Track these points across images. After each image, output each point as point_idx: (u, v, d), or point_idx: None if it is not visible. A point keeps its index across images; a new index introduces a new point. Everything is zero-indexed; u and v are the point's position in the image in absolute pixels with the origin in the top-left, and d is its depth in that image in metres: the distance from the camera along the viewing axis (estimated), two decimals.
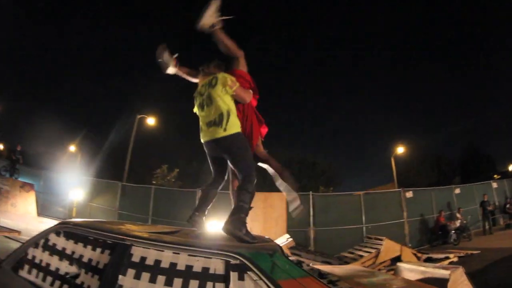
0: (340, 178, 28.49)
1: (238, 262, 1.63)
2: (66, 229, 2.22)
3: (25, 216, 10.60)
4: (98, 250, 1.95)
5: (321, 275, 2.60)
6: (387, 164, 19.39)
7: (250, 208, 2.42)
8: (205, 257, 1.67)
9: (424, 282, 3.77)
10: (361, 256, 6.95)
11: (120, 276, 1.73)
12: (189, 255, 1.69)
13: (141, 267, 1.73)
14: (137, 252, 1.80)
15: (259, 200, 10.51)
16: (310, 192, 10.89)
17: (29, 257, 2.24)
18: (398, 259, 6.78)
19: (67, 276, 1.95)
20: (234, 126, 2.49)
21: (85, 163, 25.95)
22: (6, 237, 3.76)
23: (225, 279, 1.58)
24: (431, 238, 11.41)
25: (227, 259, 1.64)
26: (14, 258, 2.33)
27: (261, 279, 1.56)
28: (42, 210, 12.67)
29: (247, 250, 1.72)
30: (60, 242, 2.17)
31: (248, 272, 1.60)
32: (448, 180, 21.70)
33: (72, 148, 24.80)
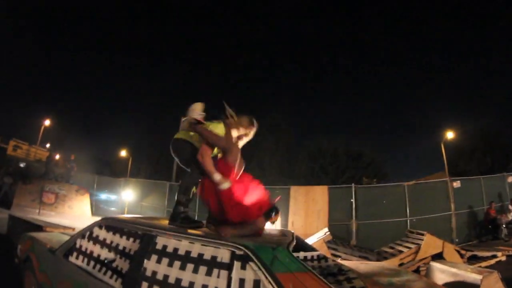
0: (388, 168, 27.21)
1: (242, 253, 1.80)
2: (107, 223, 2.61)
3: (81, 216, 11.58)
4: (131, 239, 2.28)
5: (341, 270, 2.57)
6: (437, 152, 17.99)
7: (189, 198, 2.70)
8: (214, 247, 1.88)
9: (454, 286, 3.59)
10: (401, 252, 6.61)
11: (145, 261, 2.03)
12: (202, 244, 1.93)
13: (162, 253, 2.02)
14: (160, 241, 2.09)
15: (301, 194, 10.41)
16: (353, 184, 10.37)
17: (77, 246, 2.66)
18: (440, 256, 6.39)
19: (106, 261, 2.30)
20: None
21: (136, 166, 27.69)
22: (62, 233, 4.30)
23: (229, 267, 1.77)
24: (480, 233, 10.37)
25: (233, 249, 1.83)
26: (65, 247, 2.79)
27: (260, 269, 1.71)
28: (96, 210, 13.85)
29: (252, 243, 1.88)
30: (102, 234, 2.55)
31: (250, 262, 1.76)
32: (503, 167, 19.54)
33: (123, 153, 26.54)
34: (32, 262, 3.11)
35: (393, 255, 6.58)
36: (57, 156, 16.89)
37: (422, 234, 6.87)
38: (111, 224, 2.56)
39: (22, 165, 16.25)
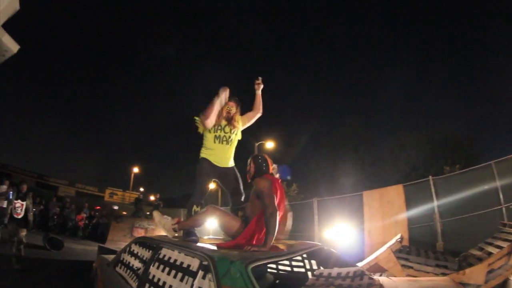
0: (482, 148, 23.38)
1: (206, 263, 1.98)
2: (139, 240, 3.27)
3: None
4: (150, 251, 2.80)
5: None
6: None
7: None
8: (191, 256, 2.17)
9: None
10: (490, 254, 4.88)
11: (151, 267, 2.50)
12: (185, 254, 2.26)
13: (160, 261, 2.45)
14: (163, 252, 2.54)
15: (374, 199, 9.46)
16: (430, 177, 8.69)
17: (121, 258, 3.33)
18: None
19: (133, 268, 2.85)
20: None
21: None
22: None
23: (195, 275, 2.00)
24: None
25: (201, 259, 2.05)
26: (114, 260, 3.52)
27: (213, 281, 1.85)
28: None
29: (217, 254, 2.05)
30: (136, 248, 3.18)
31: (209, 273, 1.91)
32: None
33: (212, 185, 28.29)
34: (97, 275, 3.91)
35: (479, 260, 4.96)
36: (152, 197, 18.86)
37: None
38: (142, 241, 3.19)
39: (115, 207, 18.55)
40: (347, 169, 23.83)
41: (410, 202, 8.76)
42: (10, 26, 6.56)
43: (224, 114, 3.49)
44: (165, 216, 3.29)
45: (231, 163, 3.51)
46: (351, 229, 9.40)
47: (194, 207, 3.24)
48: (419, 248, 6.49)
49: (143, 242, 3.08)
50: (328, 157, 26.61)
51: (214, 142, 3.41)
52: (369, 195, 9.68)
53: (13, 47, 6.55)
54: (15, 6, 6.27)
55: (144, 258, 2.75)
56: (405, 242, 7.64)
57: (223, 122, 3.48)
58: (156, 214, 3.38)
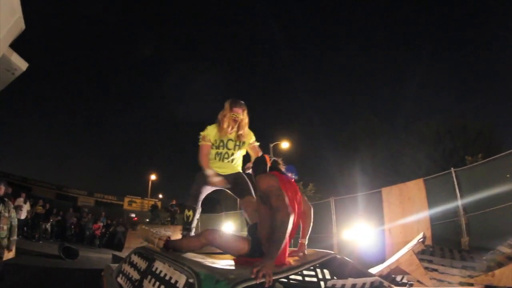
0: (503, 134, 22.28)
1: (192, 280, 1.77)
2: (138, 251, 3.15)
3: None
4: (147, 262, 2.67)
5: None
6: None
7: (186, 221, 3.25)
8: (179, 271, 1.99)
9: None
10: None
11: (144, 280, 2.40)
12: (174, 268, 2.09)
13: (153, 274, 2.33)
14: (155, 264, 2.43)
15: (394, 195, 8.93)
16: (452, 169, 8.11)
17: (122, 269, 3.25)
18: None
19: (133, 280, 2.72)
20: None
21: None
22: None
23: None
24: None
25: (188, 276, 1.85)
26: (116, 270, 3.45)
27: None
28: None
29: (205, 271, 1.82)
30: (135, 258, 3.07)
31: None
32: None
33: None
34: (104, 284, 3.79)
35: (510, 259, 4.42)
36: (174, 201, 19.27)
37: None
38: (140, 251, 3.07)
39: (132, 215, 18.78)
40: (366, 166, 23.30)
41: (432, 197, 8.26)
42: (17, 45, 6.68)
43: (231, 123, 3.22)
44: (155, 230, 3.18)
45: (238, 169, 3.38)
46: (370, 229, 9.06)
47: (186, 211, 3.23)
48: (443, 247, 6.09)
49: (141, 252, 2.97)
50: (346, 155, 26.13)
51: (215, 158, 3.31)
52: (388, 192, 9.23)
53: (22, 65, 6.73)
54: (21, 26, 6.36)
55: (141, 270, 2.64)
56: (428, 240, 7.24)
57: (227, 137, 3.27)
58: (141, 229, 3.34)
